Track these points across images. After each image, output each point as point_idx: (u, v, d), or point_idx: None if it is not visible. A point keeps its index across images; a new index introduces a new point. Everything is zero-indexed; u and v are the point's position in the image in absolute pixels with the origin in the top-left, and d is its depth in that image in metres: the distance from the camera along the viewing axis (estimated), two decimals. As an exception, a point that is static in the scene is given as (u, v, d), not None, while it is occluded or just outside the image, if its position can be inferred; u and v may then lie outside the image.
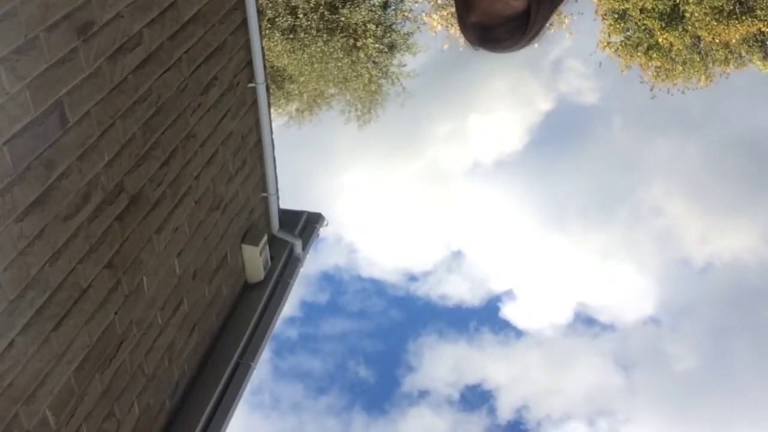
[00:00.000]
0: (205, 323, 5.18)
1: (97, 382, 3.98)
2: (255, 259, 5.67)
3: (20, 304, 3.36)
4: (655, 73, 19.87)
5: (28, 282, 3.39)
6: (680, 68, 19.62)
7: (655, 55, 19.66)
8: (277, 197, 5.99)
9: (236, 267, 5.59)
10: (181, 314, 4.80)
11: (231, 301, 5.57)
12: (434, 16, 20.09)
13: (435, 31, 19.93)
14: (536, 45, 1.57)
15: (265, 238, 5.76)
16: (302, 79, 19.24)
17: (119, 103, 3.90)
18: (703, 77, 19.57)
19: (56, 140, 3.45)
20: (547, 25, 1.54)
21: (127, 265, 4.14)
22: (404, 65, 19.58)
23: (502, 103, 21.91)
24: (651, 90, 19.70)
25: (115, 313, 4.08)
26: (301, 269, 6.30)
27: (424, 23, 20.06)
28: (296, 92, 19.37)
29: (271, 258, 5.94)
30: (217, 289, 5.29)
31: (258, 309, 5.71)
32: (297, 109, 19.46)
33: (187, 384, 5.02)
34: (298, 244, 6.19)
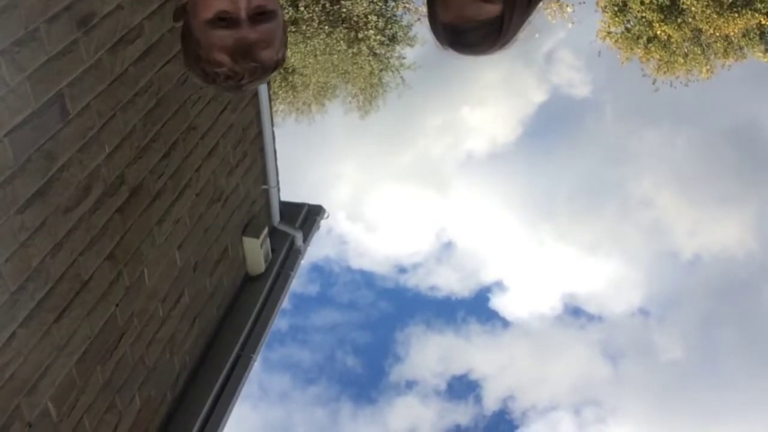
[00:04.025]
0: (206, 315, 5.19)
1: (98, 374, 3.99)
2: (256, 251, 5.67)
3: (21, 296, 3.36)
4: (656, 66, 19.83)
5: (30, 274, 3.39)
6: (681, 61, 19.58)
7: (654, 48, 19.61)
8: (278, 189, 5.99)
9: (237, 259, 5.59)
10: (182, 306, 4.81)
11: (232, 293, 5.57)
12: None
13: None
14: (516, 45, 1.53)
15: (266, 230, 5.76)
16: (306, 71, 19.21)
17: (120, 95, 3.90)
18: (704, 69, 19.54)
19: (57, 132, 3.45)
20: (520, 31, 1.51)
21: (128, 257, 4.14)
22: (404, 57, 19.57)
23: (495, 94, 21.89)
24: (654, 83, 19.68)
25: (116, 305, 4.09)
26: (302, 261, 6.31)
27: (425, 14, 20.02)
28: (300, 85, 19.34)
29: (272, 250, 5.95)
30: (218, 281, 5.30)
31: (259, 301, 5.71)
32: (303, 102, 19.43)
33: (188, 376, 5.03)
34: (298, 237, 6.19)
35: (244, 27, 1.44)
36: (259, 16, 1.45)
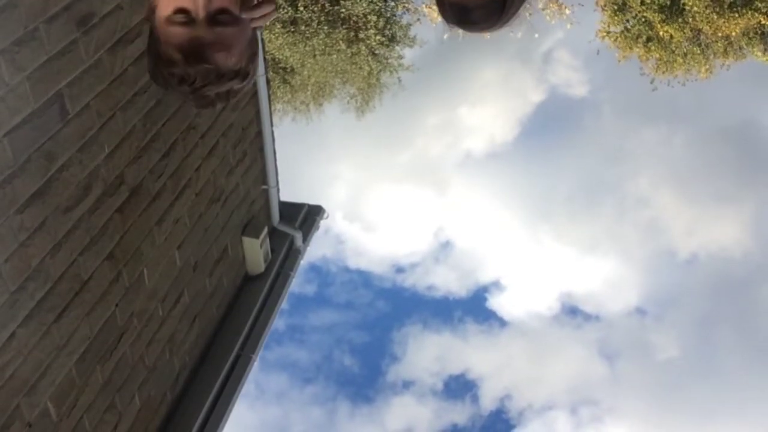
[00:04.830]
0: (206, 315, 5.19)
1: (98, 374, 3.99)
2: (255, 251, 5.67)
3: (21, 296, 3.36)
4: (655, 66, 19.84)
5: (29, 273, 3.39)
6: (680, 60, 19.58)
7: (654, 47, 19.62)
8: (278, 189, 5.99)
9: (237, 259, 5.59)
10: (181, 306, 4.81)
11: (232, 293, 5.57)
12: (434, 7, 20.00)
13: (435, 22, 19.90)
14: (517, 30, 1.58)
15: (266, 230, 5.76)
16: (305, 72, 19.20)
17: (119, 95, 3.89)
18: (703, 69, 19.54)
19: (56, 132, 3.45)
20: (522, 9, 1.56)
21: (127, 257, 4.14)
22: (402, 58, 19.57)
23: (493, 94, 21.90)
24: (652, 82, 19.68)
25: (116, 305, 4.09)
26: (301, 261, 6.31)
27: (424, 14, 20.04)
28: (299, 84, 19.33)
29: (272, 250, 5.95)
30: (217, 281, 5.29)
31: (258, 301, 5.71)
32: (302, 102, 19.42)
33: (188, 376, 5.02)
34: (298, 237, 6.19)
35: (201, 26, 1.40)
36: (220, 17, 1.41)
